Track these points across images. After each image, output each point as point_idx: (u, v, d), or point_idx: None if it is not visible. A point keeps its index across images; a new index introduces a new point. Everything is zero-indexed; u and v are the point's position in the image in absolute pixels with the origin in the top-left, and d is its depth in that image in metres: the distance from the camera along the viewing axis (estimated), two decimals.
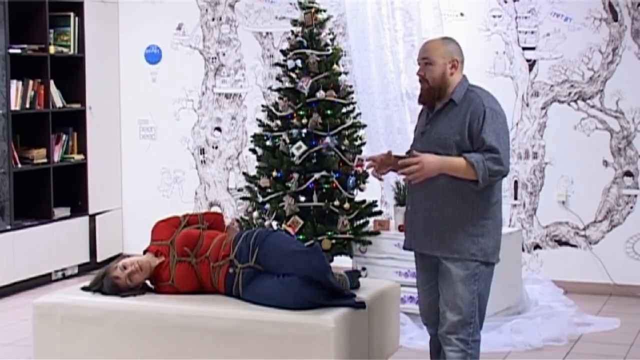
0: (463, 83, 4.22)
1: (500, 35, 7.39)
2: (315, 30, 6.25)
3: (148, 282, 4.95)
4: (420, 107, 4.40)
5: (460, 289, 4.15)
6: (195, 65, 8.28)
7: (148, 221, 5.34)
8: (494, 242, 4.22)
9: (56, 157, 7.85)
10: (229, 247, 4.76)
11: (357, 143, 6.26)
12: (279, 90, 6.30)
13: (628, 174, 7.16)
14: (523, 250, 7.12)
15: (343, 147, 6.16)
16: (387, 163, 4.25)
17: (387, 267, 6.16)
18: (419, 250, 4.31)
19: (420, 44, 6.49)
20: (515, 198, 7.40)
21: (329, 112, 6.15)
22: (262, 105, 6.50)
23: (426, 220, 4.21)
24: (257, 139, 6.34)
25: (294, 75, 6.21)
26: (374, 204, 6.34)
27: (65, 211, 7.94)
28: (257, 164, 6.36)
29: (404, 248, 4.43)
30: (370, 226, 6.30)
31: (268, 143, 6.28)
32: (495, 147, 4.08)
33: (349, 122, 6.24)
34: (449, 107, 4.19)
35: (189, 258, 4.82)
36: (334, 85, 6.21)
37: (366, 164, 4.44)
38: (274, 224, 6.13)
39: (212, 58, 8.23)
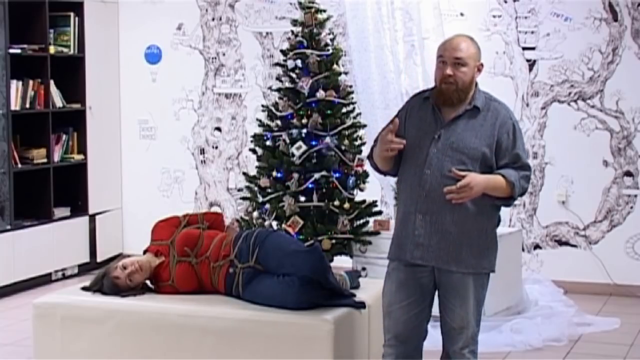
0: (479, 89, 4.08)
1: (500, 35, 7.39)
2: (315, 30, 6.25)
3: (148, 282, 4.95)
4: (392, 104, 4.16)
5: (474, 303, 4.04)
6: (195, 65, 8.28)
7: (148, 221, 5.33)
8: (497, 252, 4.16)
9: (56, 157, 7.85)
10: (229, 247, 4.76)
11: (357, 143, 6.27)
12: (279, 90, 6.30)
13: (628, 174, 7.16)
14: (523, 250, 7.12)
15: (343, 147, 6.16)
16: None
17: None
18: (435, 265, 4.03)
19: (420, 44, 6.58)
20: None
21: (329, 112, 6.15)
22: (262, 105, 6.50)
23: (444, 233, 3.99)
24: (257, 139, 6.34)
25: (294, 75, 6.22)
26: (374, 204, 6.34)
27: (65, 211, 7.94)
28: (257, 164, 6.37)
29: (399, 259, 4.11)
30: (370, 226, 6.30)
31: (268, 143, 6.28)
32: (528, 164, 4.03)
33: (349, 122, 6.24)
34: (471, 113, 4.02)
35: (189, 258, 4.82)
36: (334, 85, 6.21)
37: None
38: (274, 224, 6.13)
39: (212, 58, 8.23)
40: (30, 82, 7.56)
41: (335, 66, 6.24)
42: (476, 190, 3.90)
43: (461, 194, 3.89)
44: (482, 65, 4.07)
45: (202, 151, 8.33)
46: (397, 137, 4.09)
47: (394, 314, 4.12)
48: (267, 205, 6.20)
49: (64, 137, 7.96)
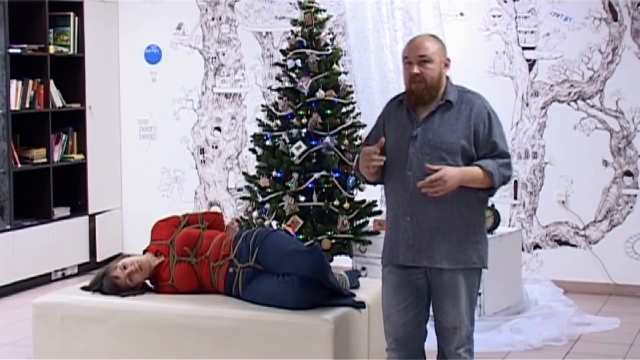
0: (451, 83, 4.10)
1: (500, 35, 7.39)
2: (315, 30, 6.25)
3: (148, 282, 4.95)
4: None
5: (466, 303, 4.03)
6: (195, 65, 8.28)
7: (148, 221, 5.33)
8: (487, 247, 4.14)
9: (56, 157, 7.85)
10: (229, 247, 4.76)
11: (357, 143, 6.26)
12: (279, 90, 6.30)
13: (628, 174, 7.16)
14: (523, 250, 7.11)
15: (343, 147, 6.16)
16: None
17: None
18: (428, 265, 4.03)
19: None
20: (515, 198, 7.40)
21: (329, 112, 6.15)
22: (262, 105, 6.50)
23: (433, 232, 3.99)
24: (257, 139, 6.34)
25: (294, 75, 6.22)
26: (373, 204, 6.34)
27: (65, 211, 7.94)
28: (257, 164, 6.37)
29: (393, 264, 4.09)
30: (370, 226, 6.30)
31: (268, 143, 6.28)
32: (506, 152, 4.03)
33: (349, 122, 6.24)
34: (444, 108, 4.03)
35: (189, 258, 4.83)
36: (334, 85, 6.21)
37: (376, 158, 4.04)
38: (274, 224, 6.13)
39: (212, 58, 8.23)
40: (30, 82, 7.56)
41: (335, 66, 6.24)
42: (451, 183, 3.90)
43: (435, 187, 3.89)
44: (449, 60, 4.09)
45: (202, 151, 8.33)
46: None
47: (392, 317, 4.12)
48: (267, 205, 6.20)
49: (64, 137, 7.96)
